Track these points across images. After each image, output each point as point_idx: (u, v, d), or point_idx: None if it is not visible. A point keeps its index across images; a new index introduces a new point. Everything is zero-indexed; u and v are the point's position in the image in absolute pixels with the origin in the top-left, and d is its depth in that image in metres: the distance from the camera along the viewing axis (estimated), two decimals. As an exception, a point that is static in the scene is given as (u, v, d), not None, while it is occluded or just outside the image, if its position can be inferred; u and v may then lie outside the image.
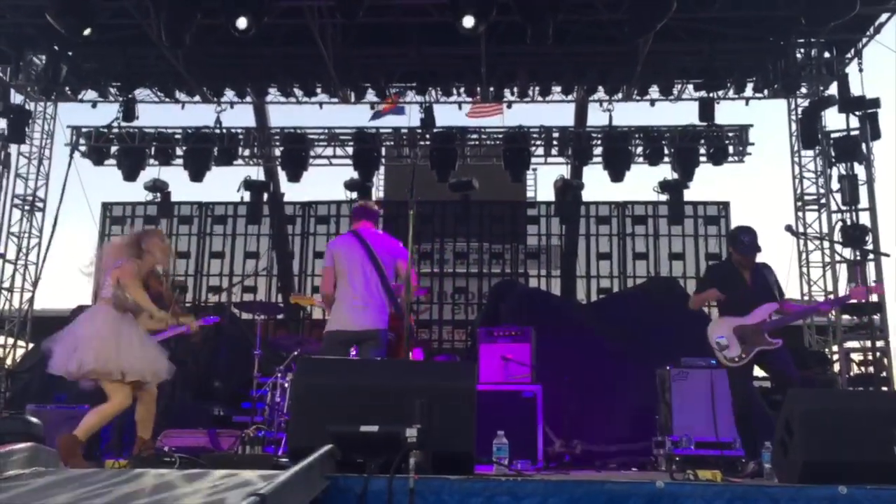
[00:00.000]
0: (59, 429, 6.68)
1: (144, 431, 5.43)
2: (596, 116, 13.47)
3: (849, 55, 11.95)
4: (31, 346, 13.05)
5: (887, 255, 8.60)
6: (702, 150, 13.38)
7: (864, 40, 11.51)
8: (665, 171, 13.70)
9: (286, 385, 7.33)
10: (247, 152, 14.18)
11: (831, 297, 12.13)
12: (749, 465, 6.19)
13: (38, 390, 10.55)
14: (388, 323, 6.18)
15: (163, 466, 4.57)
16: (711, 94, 12.45)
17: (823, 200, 12.74)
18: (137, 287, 5.37)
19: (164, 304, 5.78)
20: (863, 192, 11.93)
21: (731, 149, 13.47)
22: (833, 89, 12.17)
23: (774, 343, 6.49)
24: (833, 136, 12.19)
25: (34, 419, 6.79)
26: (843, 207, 12.11)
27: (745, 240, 6.45)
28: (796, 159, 13.21)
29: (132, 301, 5.36)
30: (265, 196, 14.52)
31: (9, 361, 12.91)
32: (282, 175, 14.19)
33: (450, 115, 14.53)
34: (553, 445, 8.27)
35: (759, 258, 6.61)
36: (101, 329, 5.25)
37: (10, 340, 13.22)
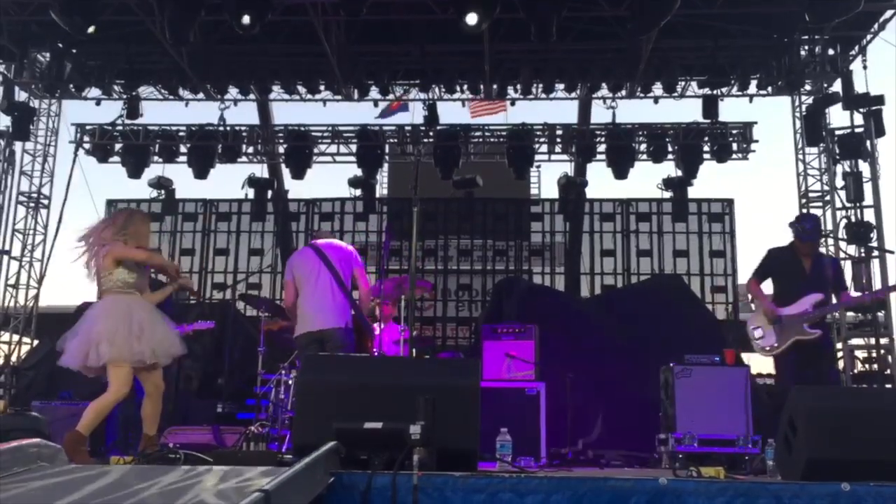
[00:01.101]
0: (64, 425, 6.71)
1: (150, 428, 5.45)
2: (599, 114, 13.48)
3: (853, 52, 11.93)
4: (36, 342, 13.09)
5: (892, 252, 8.60)
6: (706, 148, 13.37)
7: (869, 37, 11.48)
8: (669, 169, 13.71)
9: (290, 382, 7.36)
10: (251, 149, 14.21)
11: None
12: (753, 462, 6.21)
13: (44, 387, 10.61)
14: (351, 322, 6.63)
15: (167, 463, 4.59)
16: (715, 91, 12.43)
17: (828, 197, 12.71)
18: (136, 253, 5.41)
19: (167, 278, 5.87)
20: (867, 189, 11.91)
21: (735, 146, 13.45)
22: (837, 86, 12.14)
23: (812, 333, 6.42)
24: (837, 133, 12.16)
25: (39, 415, 6.81)
26: (848, 204, 12.08)
27: (808, 227, 6.51)
28: (800, 156, 13.18)
29: (153, 260, 5.47)
30: (269, 193, 14.55)
31: (14, 358, 12.95)
32: (286, 172, 14.20)
33: (453, 112, 14.65)
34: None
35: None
36: (113, 318, 5.27)
37: (16, 337, 13.25)
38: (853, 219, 12.00)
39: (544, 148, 13.88)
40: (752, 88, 12.64)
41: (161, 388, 5.55)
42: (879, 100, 11.62)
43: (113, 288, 5.41)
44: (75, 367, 5.30)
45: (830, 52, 12.18)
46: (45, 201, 13.62)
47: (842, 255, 12.31)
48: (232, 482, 2.96)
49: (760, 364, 13.99)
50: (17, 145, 13.17)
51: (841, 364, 11.97)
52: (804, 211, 13.05)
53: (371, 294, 7.04)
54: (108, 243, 5.47)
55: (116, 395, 5.23)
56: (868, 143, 11.80)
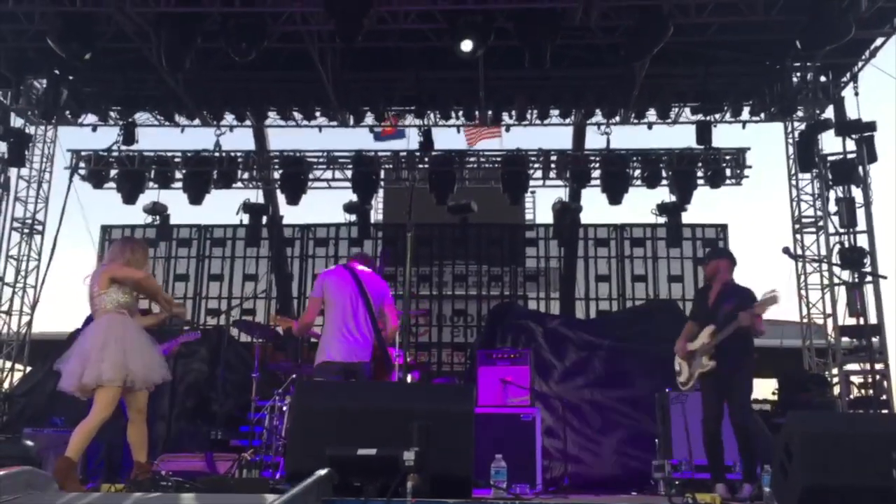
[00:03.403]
0: (55, 452, 6.66)
1: (140, 454, 5.40)
2: (594, 139, 13.52)
3: (845, 79, 12.03)
4: (28, 369, 13.01)
5: (885, 278, 8.63)
6: (699, 173, 13.40)
7: (860, 64, 11.58)
8: (663, 194, 13.76)
9: (284, 408, 7.32)
10: (246, 175, 14.22)
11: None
12: (717, 487, 6.21)
13: (35, 414, 10.52)
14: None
15: (159, 490, 4.55)
16: (708, 118, 12.53)
17: (821, 223, 12.77)
18: (133, 272, 5.41)
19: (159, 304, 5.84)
20: (860, 214, 11.96)
21: (728, 171, 13.51)
22: (829, 113, 12.25)
23: (707, 365, 6.46)
24: (830, 159, 12.25)
25: (29, 442, 6.75)
26: (841, 230, 12.13)
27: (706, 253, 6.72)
28: (794, 182, 13.26)
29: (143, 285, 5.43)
30: (264, 219, 14.53)
31: (6, 385, 12.86)
32: (281, 198, 14.22)
33: (448, 138, 14.59)
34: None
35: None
36: (107, 337, 5.27)
37: (8, 364, 13.18)
38: (846, 244, 12.04)
39: (539, 173, 13.91)
40: (745, 115, 12.74)
41: (144, 413, 5.50)
42: (871, 126, 11.71)
43: (107, 308, 5.40)
44: (72, 390, 5.26)
45: (822, 78, 12.30)
46: (40, 227, 13.61)
47: (835, 280, 12.34)
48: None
49: (756, 390, 13.96)
50: (13, 171, 13.17)
51: (836, 390, 11.96)
52: (797, 236, 13.11)
53: (396, 331, 6.67)
54: (106, 264, 5.48)
55: (100, 416, 5.19)
56: (860, 168, 11.86)
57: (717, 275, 6.70)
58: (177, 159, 13.81)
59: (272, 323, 7.51)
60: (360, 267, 6.35)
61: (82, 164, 13.83)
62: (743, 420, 6.19)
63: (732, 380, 6.31)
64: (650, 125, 12.95)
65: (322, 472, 3.20)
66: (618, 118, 12.81)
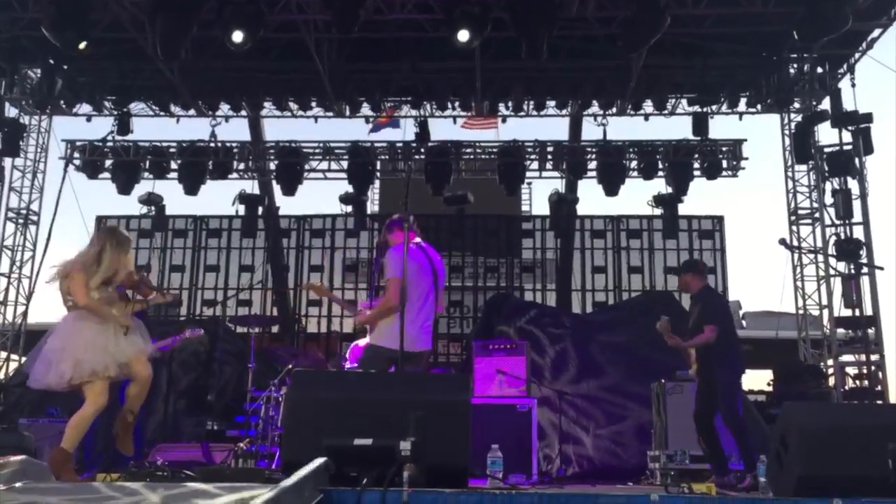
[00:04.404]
0: (51, 442, 6.65)
1: (128, 414, 5.34)
2: (590, 131, 13.55)
3: (841, 70, 12.03)
4: (24, 359, 12.98)
5: (882, 269, 8.66)
6: (696, 165, 13.43)
7: (857, 55, 11.58)
8: (659, 186, 13.78)
9: (280, 399, 7.32)
10: (241, 166, 14.19)
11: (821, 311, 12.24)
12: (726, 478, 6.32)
13: (31, 404, 10.49)
14: None
15: (155, 480, 4.55)
16: (705, 109, 12.52)
17: (817, 215, 12.78)
18: (77, 296, 5.27)
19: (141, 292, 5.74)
20: (856, 206, 11.97)
21: (724, 163, 13.51)
22: (826, 104, 12.25)
23: (693, 368, 7.12)
24: (826, 150, 12.24)
25: (25, 432, 6.75)
26: (837, 222, 12.14)
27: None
28: (790, 174, 13.26)
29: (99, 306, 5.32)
30: (260, 210, 14.52)
31: (1, 375, 12.83)
32: (276, 189, 14.19)
33: (445, 129, 14.67)
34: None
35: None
36: (66, 337, 5.22)
37: (4, 354, 13.15)
38: (842, 235, 12.05)
39: (535, 165, 13.91)
40: (742, 106, 12.74)
41: (147, 377, 5.36)
42: (868, 118, 11.71)
43: (70, 306, 5.36)
44: (40, 388, 5.26)
45: (819, 70, 12.29)
46: (35, 217, 13.56)
47: (831, 271, 12.36)
48: (219, 500, 2.93)
49: (752, 381, 14.04)
50: (7, 161, 13.13)
51: (832, 381, 11.99)
52: (793, 228, 13.12)
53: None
54: (71, 271, 5.31)
55: (94, 407, 5.16)
56: (857, 160, 11.87)
57: (688, 287, 7.01)
58: (172, 149, 13.77)
59: (305, 289, 6.94)
60: (427, 245, 6.01)
61: (77, 155, 13.79)
62: (731, 422, 6.43)
63: (712, 387, 6.59)
64: (647, 116, 12.93)
65: (318, 461, 3.19)
66: (614, 109, 12.80)
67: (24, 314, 13.26)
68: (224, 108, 13.01)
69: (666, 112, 12.82)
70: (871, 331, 11.70)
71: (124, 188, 13.53)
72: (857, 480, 3.62)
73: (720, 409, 6.49)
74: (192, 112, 13.08)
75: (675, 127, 30.25)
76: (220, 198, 30.00)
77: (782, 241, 7.92)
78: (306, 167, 13.92)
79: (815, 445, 3.79)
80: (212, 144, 13.57)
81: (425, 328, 5.69)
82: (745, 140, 13.54)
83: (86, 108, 13.09)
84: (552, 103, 12.80)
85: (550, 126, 36.33)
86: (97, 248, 5.42)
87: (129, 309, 5.60)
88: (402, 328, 5.13)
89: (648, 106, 12.73)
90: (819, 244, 12.60)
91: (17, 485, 3.18)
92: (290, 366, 7.78)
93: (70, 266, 5.34)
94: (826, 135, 12.37)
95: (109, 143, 13.51)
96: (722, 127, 15.90)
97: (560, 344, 10.43)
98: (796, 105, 12.80)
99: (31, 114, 13.45)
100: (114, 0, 9.44)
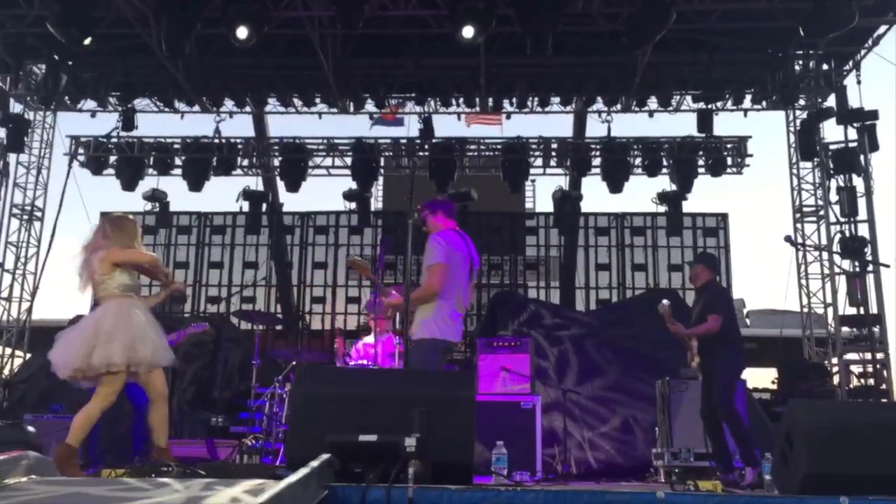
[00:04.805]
0: (56, 438, 6.65)
1: (161, 439, 5.32)
2: (594, 127, 13.49)
3: (847, 67, 11.99)
4: (28, 356, 13.01)
5: (887, 266, 8.65)
6: (700, 162, 13.39)
7: (863, 52, 11.54)
8: (664, 183, 13.75)
9: (284, 395, 7.32)
10: (246, 162, 14.19)
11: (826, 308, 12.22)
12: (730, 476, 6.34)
13: (35, 400, 10.53)
14: None
15: (160, 476, 4.54)
16: (710, 106, 12.49)
17: (822, 212, 12.74)
18: (138, 255, 5.36)
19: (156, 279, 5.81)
20: (861, 203, 11.93)
21: (729, 160, 13.50)
22: (831, 101, 12.21)
23: (694, 360, 7.12)
24: (831, 147, 12.21)
25: (30, 428, 6.75)
26: (842, 219, 12.10)
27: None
28: (795, 171, 13.23)
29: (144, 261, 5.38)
30: (264, 206, 14.51)
31: (6, 371, 12.86)
32: (280, 185, 14.20)
33: (449, 125, 14.62)
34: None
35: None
36: (118, 323, 5.19)
37: (8, 350, 13.18)
38: (847, 233, 12.01)
39: (539, 161, 13.90)
40: (747, 103, 12.70)
41: (165, 394, 5.42)
42: (873, 115, 11.67)
43: (113, 292, 5.33)
44: (70, 372, 5.16)
45: (825, 66, 12.25)
46: (39, 213, 13.59)
47: (836, 269, 12.33)
48: (225, 496, 2.92)
49: (756, 379, 14.01)
50: (12, 157, 13.16)
51: (836, 379, 11.97)
52: (798, 226, 13.09)
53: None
54: (103, 248, 5.39)
55: (104, 402, 5.15)
56: (862, 157, 11.83)
57: (696, 279, 7.09)
58: (176, 146, 13.78)
59: (349, 265, 6.64)
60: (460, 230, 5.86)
61: (81, 151, 13.81)
62: (727, 414, 6.48)
63: (710, 379, 6.67)
64: (651, 113, 12.92)
65: (323, 458, 3.19)
66: (619, 106, 12.77)
67: (29, 310, 13.26)
68: (228, 105, 13.00)
69: (671, 109, 12.82)
70: (875, 329, 11.68)
71: (128, 184, 13.54)
72: (863, 478, 3.61)
73: (717, 401, 6.50)
74: (196, 108, 13.09)
75: (679, 124, 30.21)
76: (224, 194, 30.09)
77: (788, 238, 7.97)
78: (310, 164, 13.92)
79: (821, 443, 3.78)
80: (216, 141, 13.56)
81: (462, 319, 5.60)
82: (750, 137, 13.54)
83: (90, 104, 13.12)
84: (556, 100, 12.79)
85: (554, 123, 36.28)
86: (109, 228, 5.49)
87: (152, 300, 5.64)
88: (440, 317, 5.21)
89: (653, 102, 12.70)
90: (824, 242, 12.57)
91: (23, 480, 3.18)
92: (294, 362, 7.78)
93: (93, 245, 5.40)
94: (831, 132, 12.37)
95: (114, 140, 13.54)
96: (727, 124, 15.92)
97: (564, 342, 10.43)
98: (801, 102, 12.77)
99: (36, 110, 13.47)
100: (118, -4, 9.44)
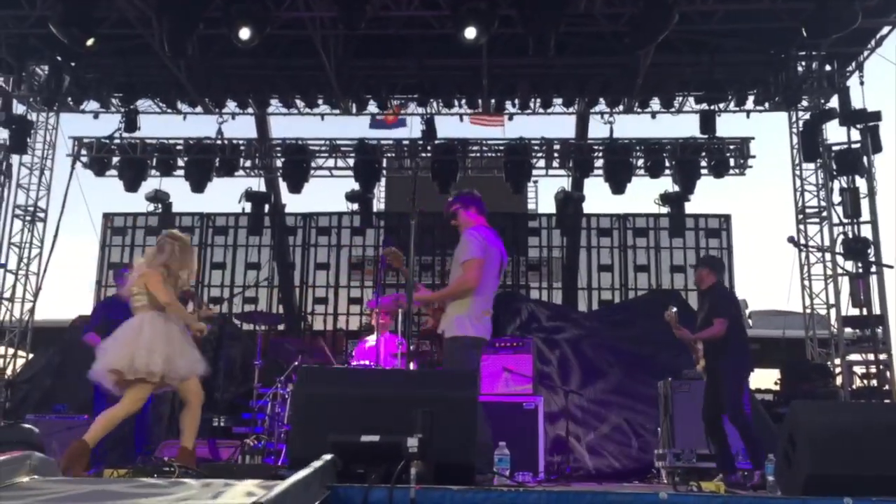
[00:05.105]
0: (59, 438, 6.65)
1: (188, 440, 5.43)
2: (597, 129, 13.50)
3: (850, 68, 11.98)
4: (31, 356, 13.03)
5: (890, 267, 8.64)
6: (703, 163, 13.38)
7: (866, 53, 11.53)
8: (666, 184, 13.73)
9: (286, 395, 7.32)
10: (248, 163, 14.20)
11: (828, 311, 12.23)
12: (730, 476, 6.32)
13: (38, 400, 10.53)
14: None
15: (162, 476, 4.54)
16: (712, 107, 12.49)
17: (825, 213, 12.72)
18: (161, 294, 5.42)
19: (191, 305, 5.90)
20: (864, 205, 11.91)
21: (732, 161, 13.47)
22: (834, 102, 12.20)
23: (700, 363, 7.36)
24: (834, 148, 12.20)
25: (32, 428, 6.75)
26: (845, 220, 12.09)
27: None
28: (797, 172, 13.21)
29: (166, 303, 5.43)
30: (266, 207, 14.53)
31: (9, 371, 12.87)
32: (283, 186, 14.19)
33: (451, 126, 14.57)
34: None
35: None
36: (156, 335, 5.32)
37: (11, 351, 13.19)
38: (850, 234, 12.00)
39: (542, 162, 13.89)
40: (750, 104, 12.70)
41: (201, 396, 5.54)
42: (876, 116, 11.66)
43: (146, 305, 5.46)
44: (114, 377, 5.25)
45: (827, 67, 12.23)
46: (42, 214, 13.59)
47: (839, 270, 12.31)
48: (227, 496, 2.92)
49: (759, 380, 13.99)
50: (14, 158, 13.15)
51: (839, 380, 11.95)
52: (801, 227, 13.08)
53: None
54: (153, 267, 5.54)
55: (131, 407, 5.27)
56: (865, 158, 11.82)
57: (702, 282, 7.08)
58: (179, 147, 13.79)
59: (385, 255, 6.53)
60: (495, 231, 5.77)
61: (84, 152, 13.83)
62: (735, 419, 6.46)
63: (718, 382, 6.63)
64: (654, 114, 12.92)
65: (325, 458, 3.18)
66: (621, 107, 12.77)
67: (31, 311, 13.27)
68: (231, 106, 13.02)
69: (673, 110, 12.81)
70: (878, 330, 11.66)
71: (131, 185, 13.56)
72: (866, 479, 3.60)
73: (726, 406, 6.48)
74: (198, 109, 13.11)
75: (682, 125, 30.17)
76: (226, 195, 30.13)
77: (791, 239, 7.97)
78: (312, 164, 13.93)
79: (824, 444, 3.77)
80: (218, 142, 13.58)
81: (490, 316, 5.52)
82: (753, 138, 13.52)
83: (93, 105, 13.14)
84: (559, 101, 12.79)
85: (557, 124, 36.27)
86: (160, 247, 5.63)
87: (189, 317, 5.72)
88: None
89: (655, 104, 12.70)
90: (827, 243, 12.55)
91: (25, 479, 3.18)
92: (296, 363, 7.78)
93: (144, 266, 5.54)
94: (834, 133, 12.34)
95: (116, 140, 13.55)
96: (729, 125, 15.91)
97: (566, 344, 10.42)
98: (804, 103, 12.74)
99: (39, 111, 13.48)
100: (121, -3, 9.45)
